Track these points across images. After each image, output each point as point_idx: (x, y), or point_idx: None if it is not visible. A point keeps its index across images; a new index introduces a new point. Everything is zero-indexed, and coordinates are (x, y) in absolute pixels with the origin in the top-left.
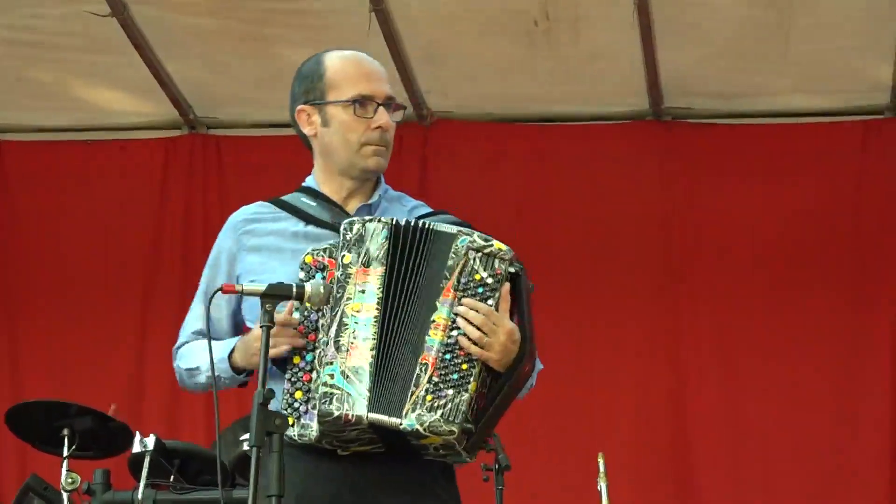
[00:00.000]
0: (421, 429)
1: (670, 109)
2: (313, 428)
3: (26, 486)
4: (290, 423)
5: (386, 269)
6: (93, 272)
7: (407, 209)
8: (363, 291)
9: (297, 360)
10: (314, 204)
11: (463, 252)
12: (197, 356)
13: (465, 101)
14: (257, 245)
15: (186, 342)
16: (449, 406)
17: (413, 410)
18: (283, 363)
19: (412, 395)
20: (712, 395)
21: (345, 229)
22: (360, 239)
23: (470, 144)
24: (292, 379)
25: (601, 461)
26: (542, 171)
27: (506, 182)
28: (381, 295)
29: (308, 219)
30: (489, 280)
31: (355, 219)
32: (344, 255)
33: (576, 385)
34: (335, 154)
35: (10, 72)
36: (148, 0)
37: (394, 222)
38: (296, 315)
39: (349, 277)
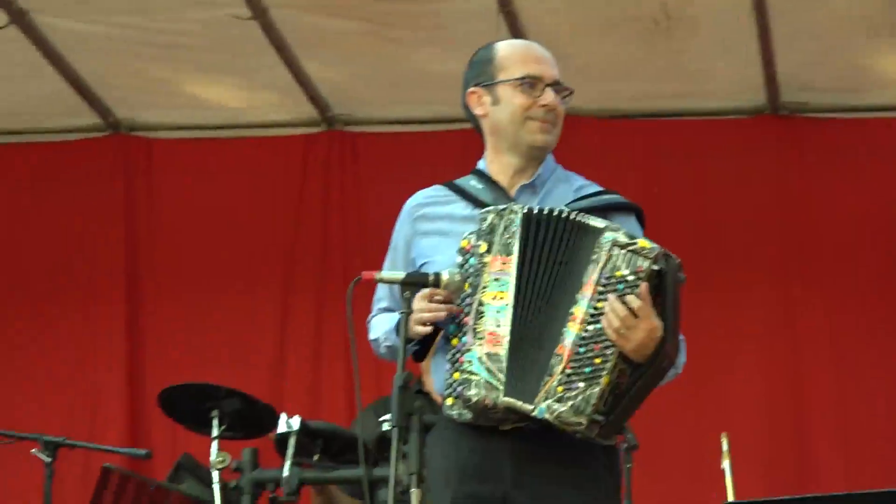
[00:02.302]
0: (550, 418)
1: (787, 104)
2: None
3: (178, 464)
4: (451, 403)
5: (519, 258)
6: (236, 263)
7: (573, 188)
8: (497, 280)
9: (454, 341)
10: (481, 187)
11: (607, 248)
12: (376, 328)
13: (588, 98)
14: (429, 229)
15: (374, 315)
16: (580, 398)
17: (545, 399)
18: (448, 340)
19: (545, 383)
20: (827, 380)
21: (481, 218)
22: (494, 228)
23: (591, 139)
24: (451, 360)
25: (725, 441)
26: (660, 166)
27: (625, 177)
28: (515, 284)
29: (476, 202)
30: (630, 277)
31: (490, 208)
32: (480, 245)
33: (700, 368)
34: (503, 131)
35: (158, 75)
36: (286, 3)
37: (526, 211)
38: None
39: (484, 266)
